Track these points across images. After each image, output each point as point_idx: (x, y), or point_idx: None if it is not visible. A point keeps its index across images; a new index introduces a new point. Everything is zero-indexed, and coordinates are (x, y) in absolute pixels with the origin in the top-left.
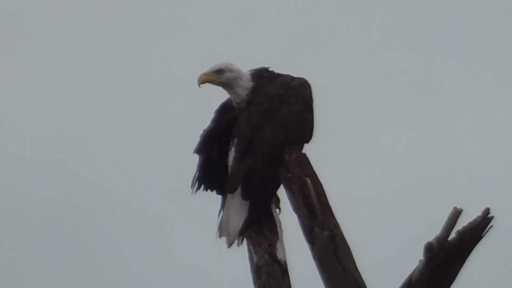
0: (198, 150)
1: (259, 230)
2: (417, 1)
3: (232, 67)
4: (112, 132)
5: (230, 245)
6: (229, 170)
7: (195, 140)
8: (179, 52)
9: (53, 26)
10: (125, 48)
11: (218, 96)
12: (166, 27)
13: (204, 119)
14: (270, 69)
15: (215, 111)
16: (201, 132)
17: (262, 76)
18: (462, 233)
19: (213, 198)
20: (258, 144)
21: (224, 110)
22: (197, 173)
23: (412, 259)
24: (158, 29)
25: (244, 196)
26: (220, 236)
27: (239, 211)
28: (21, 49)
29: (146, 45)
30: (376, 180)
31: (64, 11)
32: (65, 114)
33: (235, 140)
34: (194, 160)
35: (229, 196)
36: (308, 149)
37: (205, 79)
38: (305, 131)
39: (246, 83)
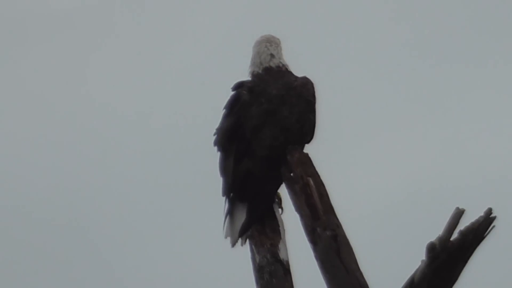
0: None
1: (261, 230)
2: (420, 6)
3: (256, 40)
4: (115, 135)
5: (233, 245)
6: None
7: (200, 142)
8: (182, 54)
9: (56, 31)
10: (128, 52)
11: (221, 96)
12: (169, 29)
13: (210, 120)
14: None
15: (226, 107)
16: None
17: (276, 73)
18: (464, 233)
19: (214, 199)
20: (257, 146)
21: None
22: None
23: (414, 259)
24: (160, 32)
25: (241, 198)
26: (225, 236)
27: (242, 211)
28: (24, 53)
29: (149, 48)
30: (379, 180)
31: (66, 16)
32: (68, 117)
33: (235, 141)
34: (198, 161)
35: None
36: (310, 149)
37: None
38: (306, 132)
39: (260, 65)
